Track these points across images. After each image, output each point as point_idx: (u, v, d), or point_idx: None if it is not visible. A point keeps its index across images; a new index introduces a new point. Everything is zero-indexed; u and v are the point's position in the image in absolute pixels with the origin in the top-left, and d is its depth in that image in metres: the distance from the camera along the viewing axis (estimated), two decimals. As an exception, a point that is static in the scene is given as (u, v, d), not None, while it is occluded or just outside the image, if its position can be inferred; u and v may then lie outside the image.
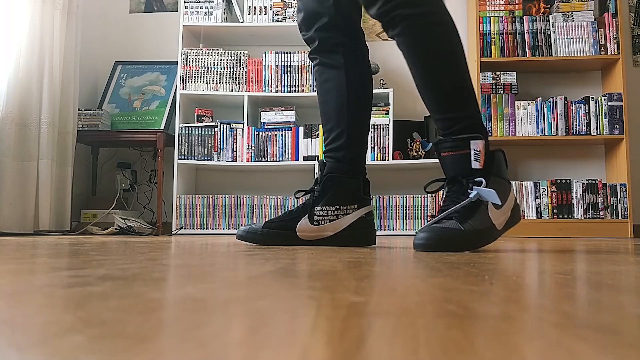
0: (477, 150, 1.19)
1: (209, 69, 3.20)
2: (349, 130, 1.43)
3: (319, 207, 1.38)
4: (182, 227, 3.08)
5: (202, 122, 3.20)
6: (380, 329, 0.27)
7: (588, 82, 3.34)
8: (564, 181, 3.05)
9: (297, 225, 1.38)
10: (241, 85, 3.20)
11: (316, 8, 1.44)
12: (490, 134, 3.08)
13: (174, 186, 3.10)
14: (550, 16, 3.15)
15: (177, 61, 3.26)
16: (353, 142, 1.43)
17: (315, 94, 3.08)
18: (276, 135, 3.14)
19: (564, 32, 3.12)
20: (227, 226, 3.09)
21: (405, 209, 3.06)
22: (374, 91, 3.10)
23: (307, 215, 1.38)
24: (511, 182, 1.46)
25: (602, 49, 3.10)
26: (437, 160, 3.01)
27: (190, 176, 3.33)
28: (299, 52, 3.20)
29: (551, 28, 3.13)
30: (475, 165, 1.19)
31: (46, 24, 2.79)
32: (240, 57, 3.21)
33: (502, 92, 3.12)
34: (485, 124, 3.08)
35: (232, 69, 3.20)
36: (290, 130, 3.13)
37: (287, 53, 3.21)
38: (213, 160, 3.15)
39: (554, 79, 3.35)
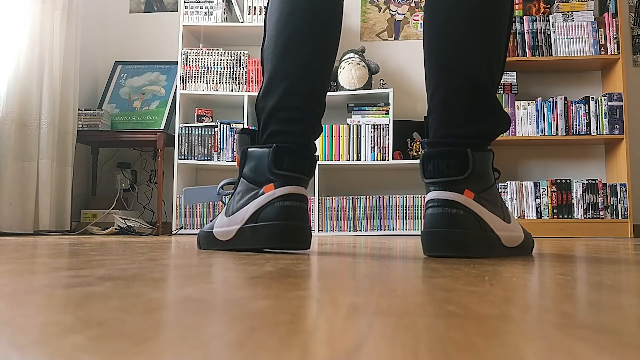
0: None
1: (209, 69, 3.20)
2: None
3: None
4: (182, 227, 3.08)
5: (202, 122, 3.20)
6: (380, 329, 0.27)
7: (588, 82, 3.34)
8: (564, 181, 3.04)
9: None
10: (241, 85, 3.20)
11: None
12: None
13: (174, 186, 3.10)
14: (550, 16, 3.15)
15: (177, 61, 3.26)
16: None
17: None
18: (276, 135, 3.14)
19: (564, 32, 3.12)
20: (227, 226, 3.09)
21: (405, 209, 3.06)
22: (374, 91, 3.11)
23: None
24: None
25: (602, 49, 3.10)
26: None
27: (190, 176, 3.33)
28: (299, 52, 3.20)
29: (551, 28, 3.13)
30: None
31: (46, 24, 2.79)
32: (240, 57, 3.21)
33: (502, 92, 3.12)
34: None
35: (232, 69, 3.20)
36: (290, 130, 3.13)
37: (287, 53, 3.21)
38: (213, 160, 3.15)
39: (554, 79, 3.35)
